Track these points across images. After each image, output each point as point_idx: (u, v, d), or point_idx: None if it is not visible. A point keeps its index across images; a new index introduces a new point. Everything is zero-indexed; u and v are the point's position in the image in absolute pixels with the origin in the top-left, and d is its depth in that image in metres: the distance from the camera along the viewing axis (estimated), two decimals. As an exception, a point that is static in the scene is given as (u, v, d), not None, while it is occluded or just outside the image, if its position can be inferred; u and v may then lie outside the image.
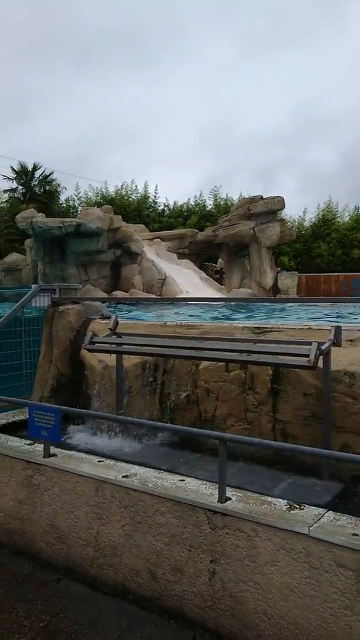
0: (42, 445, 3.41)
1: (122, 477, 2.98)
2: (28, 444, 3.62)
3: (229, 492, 2.70)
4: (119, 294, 20.53)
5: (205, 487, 2.81)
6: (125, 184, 35.38)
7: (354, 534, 2.24)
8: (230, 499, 2.65)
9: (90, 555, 3.07)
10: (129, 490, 2.89)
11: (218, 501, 2.62)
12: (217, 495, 2.65)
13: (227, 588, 2.53)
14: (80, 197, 35.63)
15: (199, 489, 2.79)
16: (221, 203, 34.35)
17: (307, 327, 3.94)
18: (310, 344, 3.11)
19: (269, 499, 2.66)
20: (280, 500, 2.64)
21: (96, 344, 4.12)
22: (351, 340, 3.61)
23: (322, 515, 2.44)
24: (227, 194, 35.05)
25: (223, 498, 2.62)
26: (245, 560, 2.48)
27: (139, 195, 34.86)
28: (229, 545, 2.53)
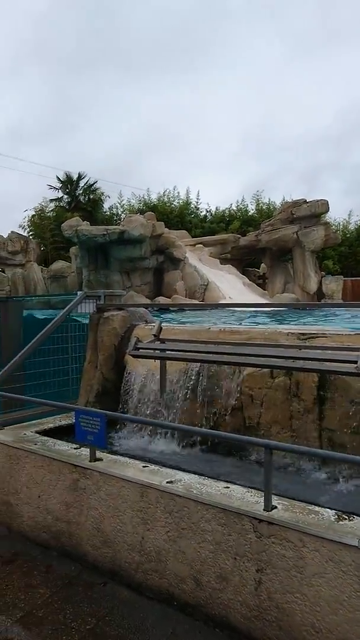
0: (88, 449, 3.47)
1: (167, 482, 2.99)
2: (74, 448, 3.69)
3: (275, 500, 2.66)
4: (161, 300, 20.67)
5: (251, 495, 2.78)
6: (167, 190, 35.77)
7: None
8: (276, 507, 2.61)
9: (136, 559, 3.09)
10: (174, 496, 2.90)
11: (264, 509, 2.58)
12: (262, 504, 2.62)
13: (274, 599, 2.49)
14: (124, 204, 36.25)
15: (244, 497, 2.76)
16: (263, 207, 34.13)
17: (354, 332, 3.85)
18: (358, 350, 3.03)
19: (316, 508, 2.61)
20: (327, 510, 2.58)
21: (140, 350, 4.16)
22: None
23: (373, 527, 2.36)
24: (269, 198, 34.90)
25: (269, 506, 2.59)
26: (292, 570, 2.43)
27: (181, 201, 35.13)
28: (275, 554, 2.49)
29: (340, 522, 2.43)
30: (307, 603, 2.38)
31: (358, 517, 2.48)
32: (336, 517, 2.49)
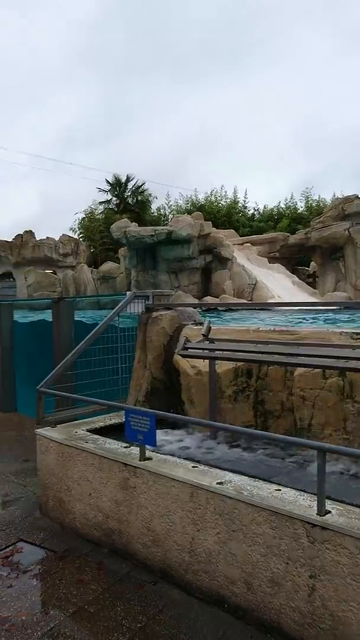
0: (137, 448, 3.49)
1: (217, 483, 2.96)
2: (124, 447, 3.72)
3: (329, 505, 2.58)
4: (209, 299, 20.62)
5: (303, 499, 2.71)
6: (215, 190, 35.64)
7: None
8: (330, 512, 2.52)
9: (186, 560, 3.08)
10: (224, 498, 2.86)
11: (317, 514, 2.51)
12: (315, 508, 2.54)
13: (328, 606, 2.41)
14: (171, 205, 36.42)
15: (297, 500, 2.69)
16: (313, 205, 33.42)
17: None
18: None
19: (373, 515, 2.51)
20: (385, 517, 2.47)
21: (189, 350, 4.15)
22: None
23: None
24: (319, 195, 34.20)
25: (322, 511, 2.51)
26: (347, 578, 2.35)
27: (228, 200, 34.93)
28: (330, 561, 2.41)
29: None
30: (363, 613, 2.29)
31: None
32: (394, 524, 2.38)
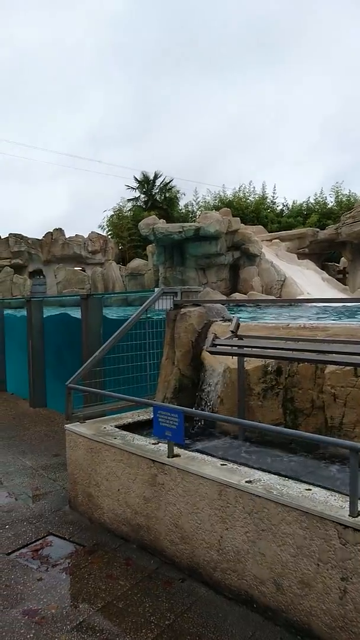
0: (166, 445, 3.48)
1: (246, 482, 2.92)
2: (153, 443, 3.72)
3: (361, 506, 2.51)
4: (237, 296, 20.50)
5: (335, 499, 2.65)
6: (243, 186, 35.46)
7: None
8: (362, 513, 2.46)
9: (214, 558, 3.06)
10: (253, 497, 2.82)
11: (349, 515, 2.45)
12: (347, 509, 2.48)
13: (360, 610, 2.36)
14: (199, 202, 36.36)
15: (328, 500, 2.64)
16: (343, 199, 32.83)
17: None
18: None
19: None
20: None
21: (218, 346, 4.11)
22: None
23: None
24: (349, 190, 33.52)
25: (355, 512, 2.45)
26: (381, 582, 2.28)
27: (257, 196, 34.64)
28: (362, 563, 2.35)
29: None
30: None
31: None
32: None
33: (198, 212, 32.65)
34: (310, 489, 2.79)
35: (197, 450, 3.73)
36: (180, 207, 37.01)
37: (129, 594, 3.07)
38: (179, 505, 3.29)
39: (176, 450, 3.46)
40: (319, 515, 2.52)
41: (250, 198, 34.55)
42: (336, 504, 2.59)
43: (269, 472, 3.15)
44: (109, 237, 33.94)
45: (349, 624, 2.40)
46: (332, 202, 33.61)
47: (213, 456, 3.55)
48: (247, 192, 34.87)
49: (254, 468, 3.22)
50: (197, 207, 36.18)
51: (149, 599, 3.01)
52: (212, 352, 4.24)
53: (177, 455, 3.42)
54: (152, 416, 3.47)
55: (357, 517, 2.43)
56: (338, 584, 2.45)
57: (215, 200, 35.22)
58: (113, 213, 35.57)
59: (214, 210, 26.14)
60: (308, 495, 2.71)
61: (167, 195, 36.49)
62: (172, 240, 22.05)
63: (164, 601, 2.98)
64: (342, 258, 27.06)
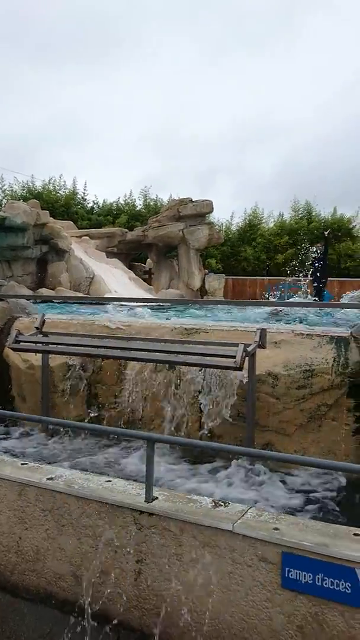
0: None
1: (47, 479, 2.91)
2: None
3: (156, 491, 2.72)
4: (45, 291, 19.99)
5: (132, 488, 2.81)
6: (53, 178, 34.52)
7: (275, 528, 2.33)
8: (157, 498, 2.66)
9: (12, 561, 2.97)
10: (54, 493, 2.83)
11: (145, 501, 2.63)
12: (144, 496, 2.66)
13: (153, 587, 2.55)
14: (5, 190, 34.30)
15: (126, 490, 2.78)
16: (151, 204, 34.42)
17: (233, 328, 4.06)
18: (237, 345, 3.20)
19: (195, 497, 2.71)
20: (205, 498, 2.70)
21: (21, 343, 4.00)
22: (275, 342, 3.75)
23: (246, 512, 2.52)
24: (157, 195, 35.19)
25: (150, 498, 2.64)
26: (172, 558, 2.50)
27: (67, 191, 34.14)
28: (156, 544, 2.55)
29: (217, 509, 2.55)
30: (183, 587, 2.47)
31: (232, 504, 2.63)
32: (213, 504, 2.60)
33: (4, 201, 30.81)
34: (111, 480, 2.91)
35: (-3, 452, 3.57)
36: (-17, 195, 34.41)
37: None
38: (-26, 511, 3.10)
39: (-27, 453, 3.27)
40: (117, 505, 2.65)
41: (60, 192, 33.90)
42: (134, 492, 2.75)
43: (74, 468, 3.19)
44: None
45: (142, 602, 2.58)
46: (140, 205, 34.96)
47: (15, 456, 3.45)
48: (58, 186, 34.16)
49: (57, 465, 3.22)
50: (2, 195, 34.09)
51: None
52: (14, 349, 4.10)
53: (-27, 458, 3.23)
54: None
55: (151, 502, 2.62)
56: (133, 567, 2.60)
57: (23, 190, 33.67)
58: None
59: (21, 201, 24.98)
60: (108, 486, 2.82)
61: (-32, 179, 33.62)
62: (-27, 228, 20.40)
63: None
64: (148, 259, 28.40)
